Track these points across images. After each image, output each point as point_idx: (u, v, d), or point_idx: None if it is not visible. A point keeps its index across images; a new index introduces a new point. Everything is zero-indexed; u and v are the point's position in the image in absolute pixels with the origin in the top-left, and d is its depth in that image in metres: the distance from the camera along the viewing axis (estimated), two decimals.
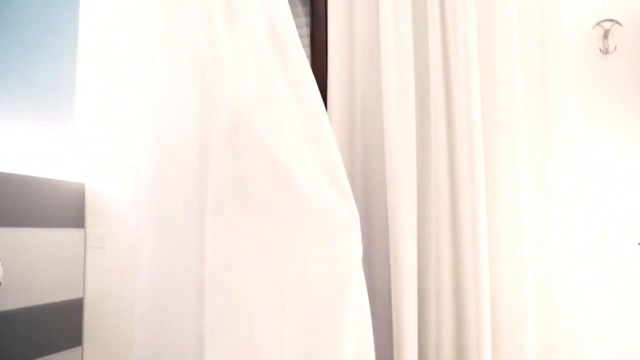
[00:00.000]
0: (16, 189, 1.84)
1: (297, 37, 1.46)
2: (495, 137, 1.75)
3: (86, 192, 2.15)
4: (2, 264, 1.67)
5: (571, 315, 1.65)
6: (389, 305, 1.75)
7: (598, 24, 1.77)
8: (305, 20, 2.15)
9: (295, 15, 2.00)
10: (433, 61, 1.81)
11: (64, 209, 2.05)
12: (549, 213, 1.72)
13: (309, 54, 2.06)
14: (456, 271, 1.74)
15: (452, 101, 1.78)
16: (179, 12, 1.61)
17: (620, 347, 1.70)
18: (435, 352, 1.75)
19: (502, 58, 1.76)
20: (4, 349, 1.76)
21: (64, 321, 2.02)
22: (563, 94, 1.74)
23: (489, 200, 1.71)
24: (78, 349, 2.06)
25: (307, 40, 2.09)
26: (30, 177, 1.92)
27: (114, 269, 2.07)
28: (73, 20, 2.16)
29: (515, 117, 1.71)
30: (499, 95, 1.75)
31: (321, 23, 2.02)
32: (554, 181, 1.72)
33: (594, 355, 1.64)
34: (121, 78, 2.07)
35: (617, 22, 1.75)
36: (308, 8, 2.08)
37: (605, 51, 1.78)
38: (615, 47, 1.77)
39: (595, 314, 1.68)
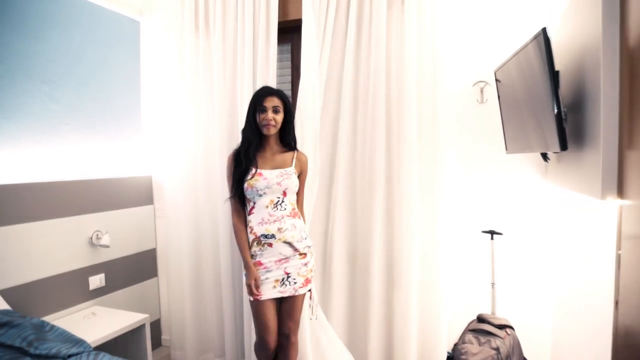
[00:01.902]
0: (113, 186, 3.02)
1: None
2: (400, 156, 2.64)
3: (152, 181, 3.31)
4: (109, 234, 2.88)
5: (438, 276, 2.64)
6: None
7: (476, 83, 2.59)
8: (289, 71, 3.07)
9: (285, 67, 2.95)
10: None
11: (141, 193, 3.23)
12: (436, 209, 2.62)
13: (291, 93, 3.01)
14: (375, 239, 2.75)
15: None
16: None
17: (463, 293, 2.72)
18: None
19: (409, 98, 2.57)
20: (117, 279, 3.01)
21: (146, 262, 3.28)
22: (447, 130, 2.59)
23: (396, 200, 2.67)
24: (155, 278, 3.34)
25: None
26: (121, 178, 3.09)
27: (170, 229, 3.19)
28: (136, 77, 3.25)
29: (411, 144, 2.58)
30: (407, 125, 2.59)
31: (297, 73, 2.95)
32: (438, 189, 2.60)
33: (447, 296, 2.66)
34: (171, 109, 3.09)
35: (487, 83, 2.57)
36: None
37: (481, 101, 2.61)
38: (487, 99, 2.59)
39: (449, 271, 2.68)
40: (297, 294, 2.28)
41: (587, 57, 1.73)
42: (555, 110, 1.75)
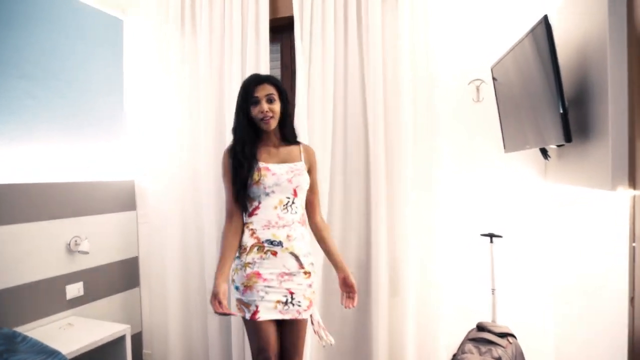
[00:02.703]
0: (93, 190, 2.88)
1: None
2: (395, 157, 2.54)
3: (135, 186, 3.17)
4: (88, 240, 2.73)
5: (436, 283, 2.52)
6: None
7: (472, 81, 2.52)
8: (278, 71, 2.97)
9: (275, 67, 2.85)
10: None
11: (123, 199, 3.09)
12: (432, 213, 2.52)
13: None
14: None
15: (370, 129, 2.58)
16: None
17: (462, 300, 2.58)
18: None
19: (404, 96, 2.49)
20: (96, 289, 2.85)
21: (127, 271, 3.12)
22: (444, 130, 2.50)
23: (390, 203, 2.56)
24: (137, 288, 3.19)
25: None
26: (102, 182, 2.95)
27: (154, 236, 3.07)
28: (119, 77, 3.14)
29: (406, 140, 2.49)
30: (402, 125, 2.50)
31: (287, 72, 2.86)
32: (435, 192, 2.51)
33: (445, 304, 2.53)
34: (155, 112, 2.98)
35: (483, 81, 2.49)
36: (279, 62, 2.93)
37: (476, 100, 2.53)
38: (483, 98, 2.51)
39: (447, 277, 2.56)
40: (300, 317, 1.94)
41: (591, 48, 1.68)
42: (560, 99, 1.67)
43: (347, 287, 2.06)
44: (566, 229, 2.27)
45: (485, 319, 2.47)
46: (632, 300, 1.41)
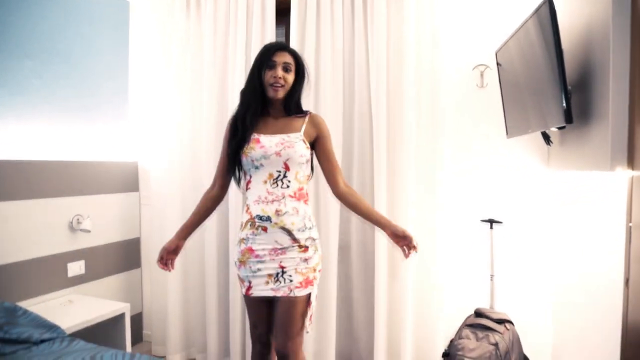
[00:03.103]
0: (97, 170, 2.89)
1: None
2: (397, 144, 2.55)
3: (138, 167, 3.19)
4: (90, 219, 2.75)
5: (435, 268, 2.52)
6: None
7: (476, 67, 2.50)
8: None
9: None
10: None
11: (125, 180, 3.11)
12: (433, 198, 2.52)
13: None
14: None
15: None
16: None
17: (460, 286, 2.59)
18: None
19: (407, 86, 2.49)
20: (98, 268, 2.88)
21: (129, 251, 3.15)
22: (447, 119, 2.50)
23: (392, 189, 2.56)
24: (138, 269, 3.21)
25: None
26: (105, 162, 2.97)
27: (155, 219, 3.08)
28: (124, 59, 3.15)
29: (410, 132, 2.49)
30: (405, 114, 2.50)
31: None
32: (437, 178, 2.50)
33: (444, 290, 2.53)
34: (159, 95, 3.00)
35: (487, 66, 2.48)
36: None
37: (481, 85, 2.52)
38: (487, 83, 2.50)
39: (446, 262, 2.56)
40: (292, 295, 1.81)
41: (594, 31, 1.68)
42: (561, 80, 1.66)
43: (400, 240, 1.89)
44: (567, 217, 2.25)
45: (484, 305, 2.47)
46: (627, 282, 1.40)
